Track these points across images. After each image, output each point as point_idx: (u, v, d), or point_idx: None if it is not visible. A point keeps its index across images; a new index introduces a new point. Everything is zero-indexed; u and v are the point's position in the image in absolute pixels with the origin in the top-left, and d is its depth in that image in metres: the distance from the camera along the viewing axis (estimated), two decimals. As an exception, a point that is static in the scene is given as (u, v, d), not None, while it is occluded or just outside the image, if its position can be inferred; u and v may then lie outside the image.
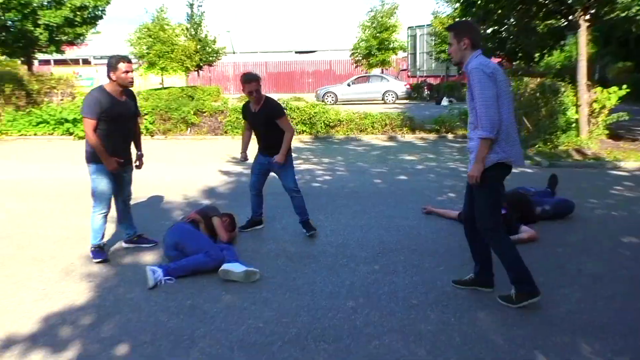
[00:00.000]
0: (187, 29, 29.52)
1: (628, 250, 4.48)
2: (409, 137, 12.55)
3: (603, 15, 9.60)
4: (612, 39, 23.29)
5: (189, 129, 13.71)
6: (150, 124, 13.57)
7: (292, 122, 13.07)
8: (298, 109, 13.08)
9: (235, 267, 3.93)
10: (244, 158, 5.18)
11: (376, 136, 12.60)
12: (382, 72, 28.82)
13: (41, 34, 16.04)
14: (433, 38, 24.15)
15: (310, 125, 13.01)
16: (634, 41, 20.40)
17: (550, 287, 3.64)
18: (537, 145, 9.20)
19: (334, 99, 24.32)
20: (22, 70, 17.12)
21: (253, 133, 5.09)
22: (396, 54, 28.39)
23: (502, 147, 3.20)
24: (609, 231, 5.00)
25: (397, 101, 23.99)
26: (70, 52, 38.55)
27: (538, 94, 9.37)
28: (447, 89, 24.05)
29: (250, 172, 5.22)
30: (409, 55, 29.88)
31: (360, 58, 28.70)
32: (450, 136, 12.46)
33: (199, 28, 29.82)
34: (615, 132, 11.15)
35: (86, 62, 40.20)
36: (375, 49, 27.56)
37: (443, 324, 3.21)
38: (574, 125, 9.22)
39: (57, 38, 17.37)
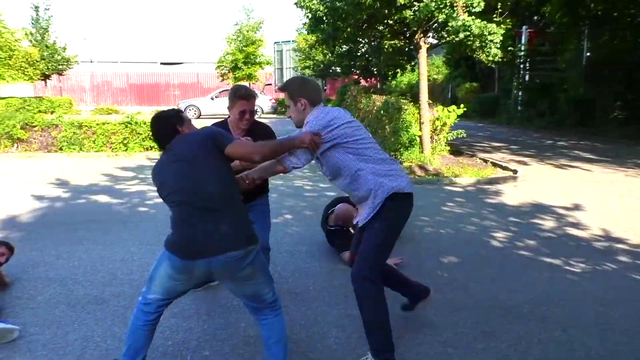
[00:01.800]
0: (31, 33, 26.69)
1: (446, 272, 4.40)
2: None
3: (439, 38, 10.09)
4: (461, 61, 25.40)
5: (15, 145, 12.00)
6: (-35, 139, 11.66)
7: (139, 137, 12.08)
8: (145, 123, 12.06)
9: (-8, 324, 3.10)
10: None
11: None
12: (249, 87, 28.40)
13: None
14: (298, 54, 24.29)
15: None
16: (478, 64, 22.34)
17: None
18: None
19: (197, 112, 23.32)
20: None
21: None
22: (262, 69, 28.15)
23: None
24: (432, 251, 4.94)
25: (263, 116, 23.67)
26: None
27: (382, 112, 9.49)
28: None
29: None
30: (276, 70, 29.88)
31: (227, 71, 28.03)
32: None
33: (46, 33, 27.15)
34: (457, 148, 11.80)
35: None
36: (241, 63, 27.07)
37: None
38: (416, 142, 9.47)
39: None
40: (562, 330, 3.36)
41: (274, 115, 24.81)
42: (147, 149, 12.07)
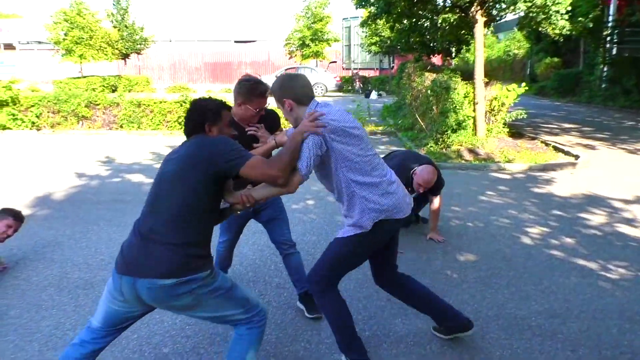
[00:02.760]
0: (112, 14, 27.94)
1: (456, 273, 3.98)
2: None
3: (499, 11, 9.28)
4: (542, 34, 23.57)
5: (80, 122, 12.63)
6: (37, 117, 12.41)
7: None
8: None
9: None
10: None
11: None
12: (316, 64, 28.18)
13: None
14: (364, 30, 23.61)
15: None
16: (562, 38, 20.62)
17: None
18: (428, 145, 8.77)
19: (261, 91, 23.44)
20: None
21: None
22: (330, 46, 27.73)
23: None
24: (450, 246, 4.51)
25: (326, 94, 23.41)
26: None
27: (429, 91, 8.91)
28: (377, 82, 23.65)
29: None
30: (344, 47, 29.32)
31: (294, 49, 27.92)
32: (356, 133, 11.91)
33: (126, 14, 28.29)
34: (518, 130, 10.95)
35: (9, 47, 37.71)
36: (308, 40, 26.83)
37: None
38: (466, 124, 8.82)
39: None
40: (570, 350, 2.90)
41: (340, 93, 24.48)
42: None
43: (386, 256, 2.82)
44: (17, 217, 3.98)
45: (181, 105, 12.25)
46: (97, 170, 7.80)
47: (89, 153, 9.40)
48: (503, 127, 9.97)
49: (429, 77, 9.24)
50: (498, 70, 37.82)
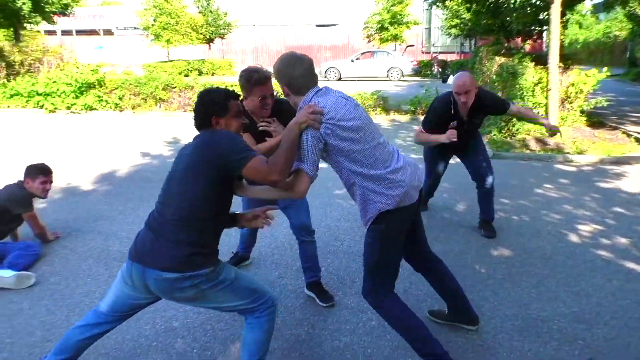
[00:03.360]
0: (198, 0, 29.05)
1: (484, 268, 3.81)
2: (379, 118, 11.79)
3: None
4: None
5: (158, 104, 13.34)
6: (120, 99, 13.27)
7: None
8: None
9: (4, 273, 3.50)
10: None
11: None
12: (395, 48, 27.65)
13: (24, 3, 15.86)
14: (444, 12, 22.79)
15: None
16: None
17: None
18: (491, 134, 8.36)
19: (337, 75, 23.46)
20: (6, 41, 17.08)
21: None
22: (409, 28, 27.06)
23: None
24: (487, 241, 4.31)
25: (402, 78, 22.93)
26: (90, 23, 38.94)
27: (495, 77, 8.46)
28: (457, 66, 22.76)
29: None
30: (424, 30, 28.52)
31: (373, 32, 27.56)
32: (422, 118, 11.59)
33: (211, 0, 29.29)
34: (600, 119, 10.13)
35: (109, 32, 40.44)
36: (387, 23, 26.37)
37: None
38: (536, 112, 8.29)
39: (45, 9, 17.23)
40: (587, 359, 2.70)
41: (417, 78, 23.90)
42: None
43: (411, 242, 2.72)
44: (45, 172, 4.13)
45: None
46: (161, 150, 8.23)
47: (160, 134, 9.92)
48: (580, 116, 9.29)
49: (498, 61, 8.76)
50: (596, 54, 35.08)
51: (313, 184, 2.31)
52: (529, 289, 3.46)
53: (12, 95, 13.67)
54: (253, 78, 2.93)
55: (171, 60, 26.77)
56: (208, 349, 2.82)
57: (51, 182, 4.21)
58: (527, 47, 18.96)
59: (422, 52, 29.68)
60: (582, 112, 9.30)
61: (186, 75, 20.32)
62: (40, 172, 4.11)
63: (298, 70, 2.40)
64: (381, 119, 11.67)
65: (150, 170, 6.85)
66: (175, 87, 13.25)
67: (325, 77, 23.37)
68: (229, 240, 4.16)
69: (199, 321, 3.09)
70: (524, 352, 2.76)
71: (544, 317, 3.10)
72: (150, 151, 8.10)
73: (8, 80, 14.37)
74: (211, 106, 2.30)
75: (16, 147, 8.46)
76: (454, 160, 4.76)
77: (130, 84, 13.29)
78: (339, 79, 23.19)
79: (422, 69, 24.96)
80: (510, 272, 3.72)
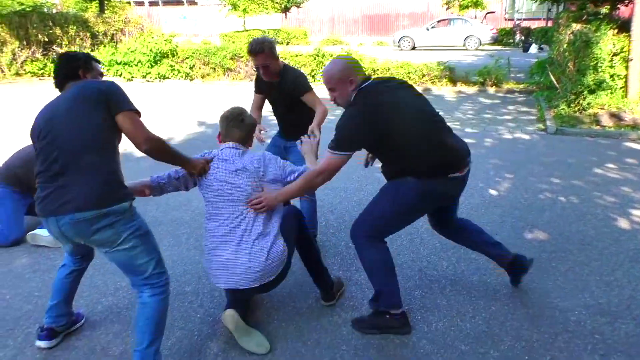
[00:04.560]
0: (275, -32, 29.07)
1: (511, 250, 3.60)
2: (445, 89, 11.35)
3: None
4: None
5: (226, 73, 13.67)
6: (190, 68, 13.73)
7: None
8: (332, 56, 12.34)
9: (43, 232, 3.79)
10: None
11: (409, 88, 11.55)
12: (475, 16, 26.27)
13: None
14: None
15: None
16: None
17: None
18: (560, 107, 7.76)
19: (410, 44, 22.71)
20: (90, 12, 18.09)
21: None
22: (492, -6, 25.58)
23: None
24: (523, 221, 4.07)
25: (480, 47, 21.80)
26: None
27: (566, 45, 7.79)
28: (540, 33, 21.20)
29: None
30: (508, -5, 26.80)
31: (452, -1, 26.33)
32: (491, 90, 11.03)
33: (287, -33, 29.22)
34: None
35: (192, 2, 41.68)
36: (467, -12, 25.08)
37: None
38: (610, 84, 7.57)
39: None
40: (600, 354, 2.51)
41: (496, 47, 22.64)
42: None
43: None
44: None
45: (314, 58, 12.52)
46: (216, 119, 8.45)
47: (223, 102, 10.18)
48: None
49: (574, 28, 8.05)
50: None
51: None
52: (556, 276, 3.25)
53: (94, 65, 14.56)
54: (248, 49, 3.33)
55: (247, 30, 27.18)
56: (211, 315, 2.93)
57: None
58: (617, 12, 17.25)
59: (505, 19, 27.97)
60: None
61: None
62: None
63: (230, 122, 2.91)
64: (447, 91, 11.24)
65: (202, 139, 7.08)
66: (242, 57, 13.49)
67: (399, 46, 22.74)
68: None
69: (209, 287, 3.20)
70: (531, 343, 2.60)
71: (563, 307, 2.90)
72: (206, 120, 8.35)
73: (92, 50, 15.29)
74: (76, 61, 2.40)
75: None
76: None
77: (200, 54, 13.70)
78: (413, 48, 22.48)
79: (502, 38, 23.60)
80: (539, 257, 3.49)
